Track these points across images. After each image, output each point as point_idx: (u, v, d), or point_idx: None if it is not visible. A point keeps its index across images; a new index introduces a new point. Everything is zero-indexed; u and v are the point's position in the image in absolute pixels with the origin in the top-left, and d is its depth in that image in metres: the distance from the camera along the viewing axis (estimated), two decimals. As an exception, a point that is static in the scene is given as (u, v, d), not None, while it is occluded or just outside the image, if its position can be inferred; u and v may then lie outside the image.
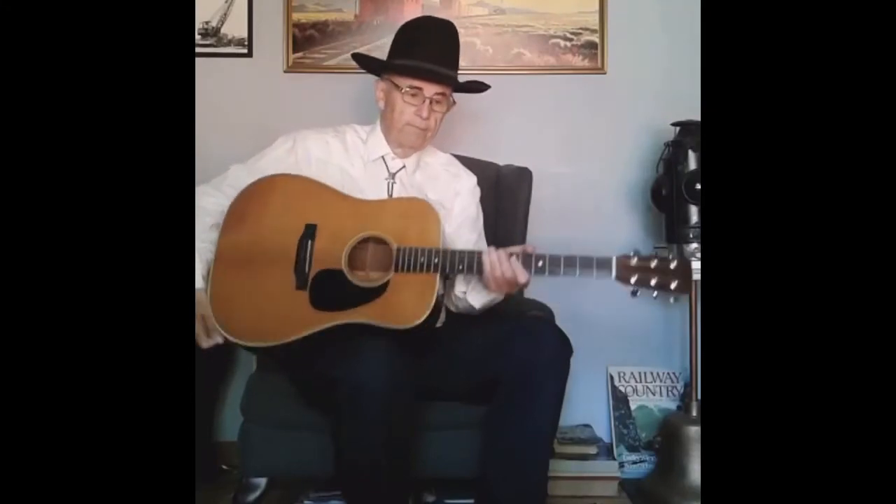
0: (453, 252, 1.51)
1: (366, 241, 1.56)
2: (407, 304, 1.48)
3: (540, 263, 1.48)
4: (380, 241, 1.55)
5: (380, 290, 1.50)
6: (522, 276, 1.47)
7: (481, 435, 1.57)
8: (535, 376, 1.48)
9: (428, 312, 1.47)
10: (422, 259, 1.49)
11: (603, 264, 1.49)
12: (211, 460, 2.23)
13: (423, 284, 1.49)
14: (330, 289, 1.51)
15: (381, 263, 1.54)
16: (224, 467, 2.26)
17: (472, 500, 1.72)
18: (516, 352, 1.49)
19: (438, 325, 1.66)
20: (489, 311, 1.68)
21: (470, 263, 1.49)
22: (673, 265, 1.47)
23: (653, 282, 1.47)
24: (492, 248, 1.50)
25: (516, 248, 1.50)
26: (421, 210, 1.58)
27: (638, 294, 1.49)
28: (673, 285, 1.47)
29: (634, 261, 1.48)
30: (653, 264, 1.47)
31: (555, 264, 1.48)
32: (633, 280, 1.47)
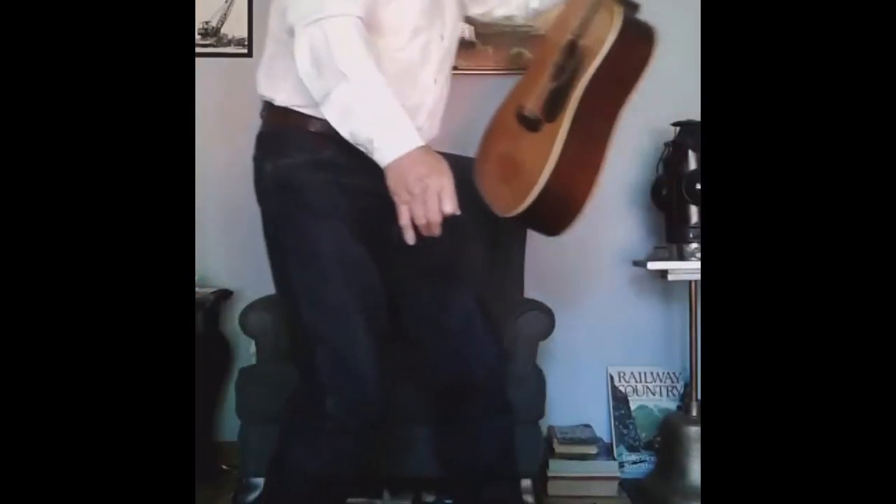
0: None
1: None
2: (599, 33, 1.45)
3: None
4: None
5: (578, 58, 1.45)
6: None
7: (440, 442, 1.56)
8: (479, 386, 1.45)
9: (617, 23, 1.45)
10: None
11: None
12: (211, 460, 2.24)
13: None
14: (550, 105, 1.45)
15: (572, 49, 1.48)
16: (224, 467, 2.27)
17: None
18: (456, 364, 1.45)
19: None
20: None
21: None
22: None
23: None
24: None
25: None
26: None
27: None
28: None
29: None
30: None
31: None
32: None
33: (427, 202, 1.16)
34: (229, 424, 2.24)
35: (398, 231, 1.23)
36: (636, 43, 1.50)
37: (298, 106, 1.31)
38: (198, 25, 2.37)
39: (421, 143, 1.18)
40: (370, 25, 1.23)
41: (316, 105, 1.24)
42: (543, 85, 1.48)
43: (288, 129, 1.33)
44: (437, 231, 1.19)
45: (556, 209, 1.45)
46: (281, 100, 1.33)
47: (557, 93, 1.44)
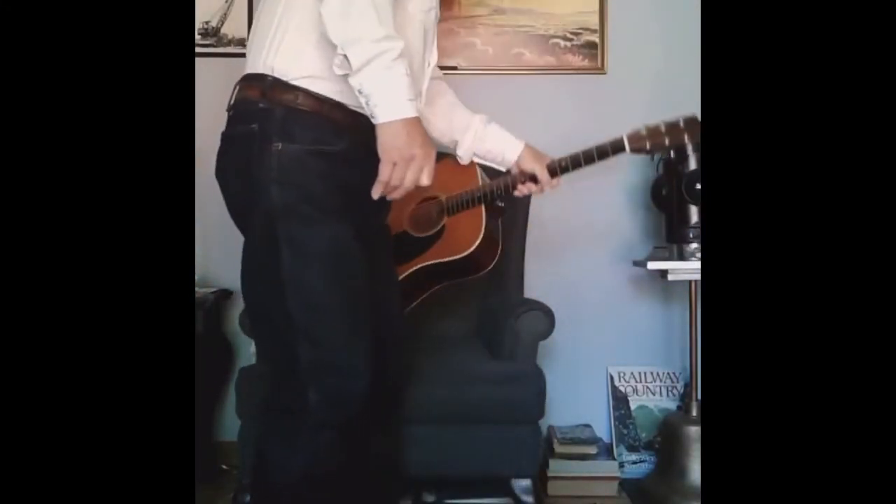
0: (488, 184, 1.71)
1: (421, 202, 1.81)
2: (462, 236, 1.72)
3: (563, 164, 1.66)
4: (430, 198, 1.79)
5: (438, 235, 1.76)
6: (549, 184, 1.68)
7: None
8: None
9: (481, 235, 1.70)
10: (465, 199, 1.72)
11: (616, 146, 1.65)
12: (211, 460, 2.24)
13: (472, 217, 1.73)
14: (398, 248, 1.68)
15: (434, 215, 1.79)
16: (224, 467, 2.27)
17: (471, 500, 1.72)
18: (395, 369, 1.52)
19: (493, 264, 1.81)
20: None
21: (506, 186, 1.68)
22: (682, 122, 1.61)
23: (667, 141, 1.62)
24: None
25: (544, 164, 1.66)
26: (458, 163, 1.74)
27: (655, 159, 1.73)
28: (686, 137, 1.61)
29: (644, 130, 1.63)
30: (663, 128, 1.62)
31: (576, 162, 1.66)
32: (648, 147, 1.63)
33: (412, 169, 1.23)
34: (229, 424, 2.25)
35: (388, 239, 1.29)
36: (484, 255, 1.75)
37: (321, 89, 1.27)
38: (198, 25, 2.37)
39: (416, 114, 1.22)
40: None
41: (339, 90, 1.24)
42: (406, 222, 1.81)
43: (304, 112, 1.27)
44: (399, 197, 1.28)
45: None
46: (296, 77, 1.27)
47: (409, 249, 1.77)
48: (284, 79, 1.27)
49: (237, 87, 1.35)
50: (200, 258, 2.26)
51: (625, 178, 2.43)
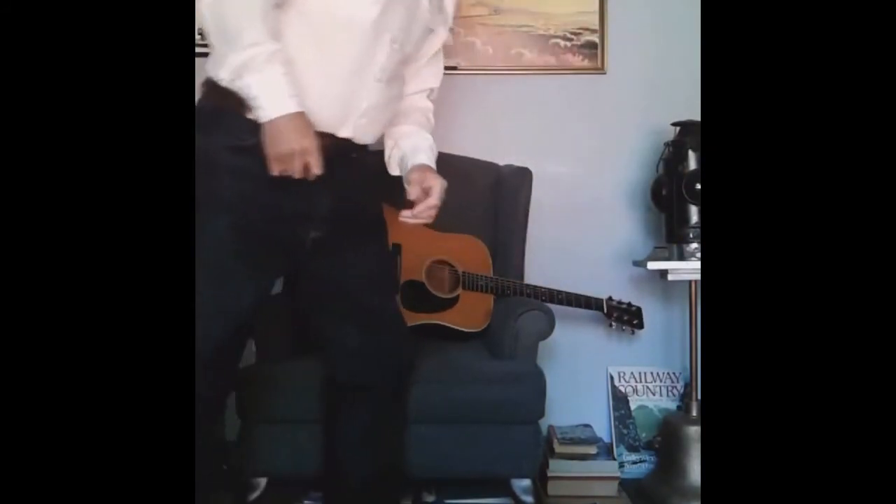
0: (503, 280, 2.08)
1: (436, 262, 2.07)
2: (476, 314, 2.05)
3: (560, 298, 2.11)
4: (446, 263, 2.08)
5: (453, 301, 2.05)
6: None
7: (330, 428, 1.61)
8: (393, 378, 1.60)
9: (489, 321, 2.04)
10: (482, 283, 2.06)
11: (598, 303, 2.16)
12: (215, 461, 2.23)
13: (484, 301, 2.08)
14: (414, 295, 2.01)
15: (448, 281, 2.08)
16: (224, 467, 2.26)
17: (471, 500, 1.72)
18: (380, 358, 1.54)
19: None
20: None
21: (515, 290, 2.07)
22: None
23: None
24: None
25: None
26: (475, 243, 2.11)
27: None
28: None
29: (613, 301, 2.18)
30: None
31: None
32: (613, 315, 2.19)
33: (296, 165, 1.25)
34: (229, 424, 2.24)
35: (311, 232, 1.37)
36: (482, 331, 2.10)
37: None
38: (198, 25, 2.37)
39: (297, 109, 1.24)
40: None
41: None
42: (423, 274, 2.05)
43: (222, 110, 1.33)
44: (311, 176, 1.28)
45: None
46: (221, 78, 1.34)
47: (424, 301, 2.03)
48: (213, 80, 1.38)
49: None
50: (200, 258, 2.26)
51: (625, 178, 2.42)
